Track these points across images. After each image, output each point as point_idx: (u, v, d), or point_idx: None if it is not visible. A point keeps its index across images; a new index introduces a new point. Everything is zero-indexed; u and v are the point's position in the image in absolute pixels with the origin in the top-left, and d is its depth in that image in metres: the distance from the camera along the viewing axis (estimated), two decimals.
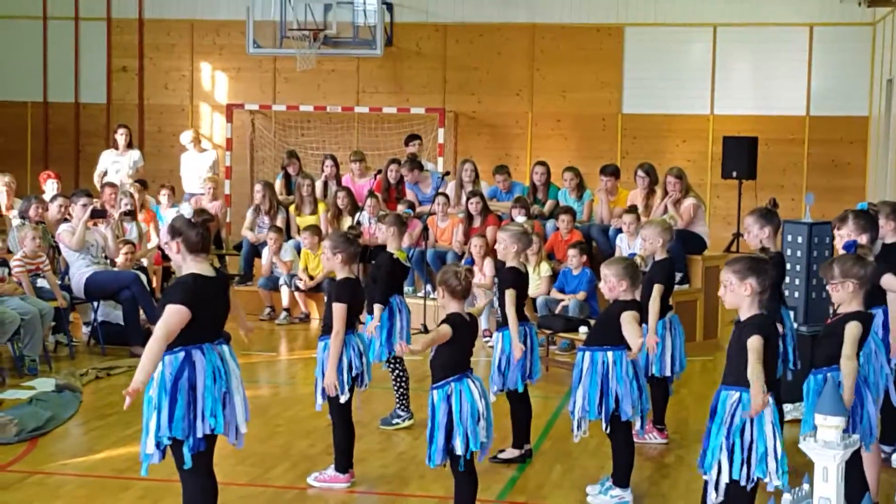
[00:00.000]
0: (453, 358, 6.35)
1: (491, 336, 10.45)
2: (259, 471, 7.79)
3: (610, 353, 7.17)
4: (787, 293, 9.57)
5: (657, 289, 8.31)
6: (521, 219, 12.07)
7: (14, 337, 10.41)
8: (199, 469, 5.76)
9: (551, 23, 18.65)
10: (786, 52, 17.99)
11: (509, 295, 7.94)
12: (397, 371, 8.95)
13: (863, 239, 7.02)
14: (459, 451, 6.24)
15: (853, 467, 5.72)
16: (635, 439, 8.29)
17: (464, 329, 6.38)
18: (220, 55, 19.59)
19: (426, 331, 12.39)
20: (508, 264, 8.16)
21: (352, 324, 7.53)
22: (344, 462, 7.51)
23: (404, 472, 7.83)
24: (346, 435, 7.51)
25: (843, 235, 7.09)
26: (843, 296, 6.20)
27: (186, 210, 5.83)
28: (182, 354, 5.61)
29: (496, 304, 8.33)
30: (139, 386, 5.44)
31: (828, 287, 6.29)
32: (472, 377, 6.40)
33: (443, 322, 6.38)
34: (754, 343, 5.47)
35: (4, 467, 7.78)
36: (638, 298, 7.43)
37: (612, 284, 7.28)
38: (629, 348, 7.06)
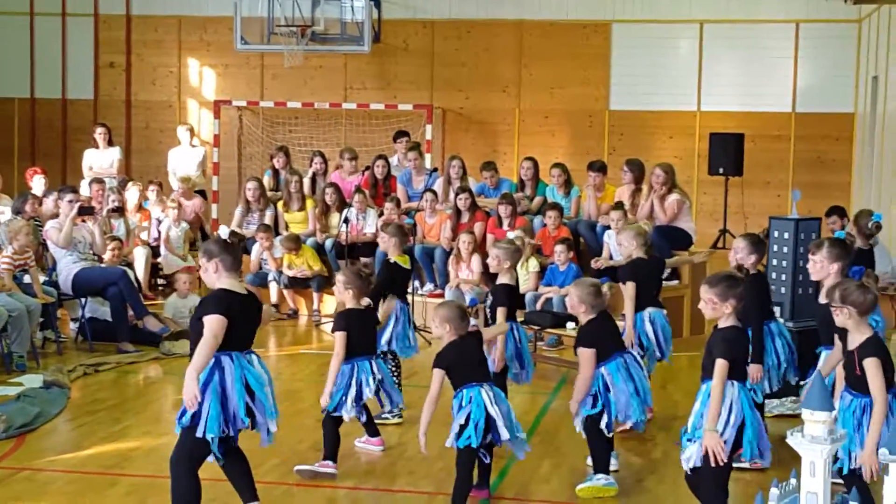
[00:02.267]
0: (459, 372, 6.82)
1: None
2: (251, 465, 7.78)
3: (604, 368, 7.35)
4: (773, 288, 9.62)
5: (630, 286, 8.71)
6: (512, 234, 12.13)
7: (1, 333, 10.39)
8: (195, 469, 6.17)
9: (539, 19, 18.66)
10: (772, 49, 18.04)
11: (500, 313, 8.26)
12: (389, 365, 8.98)
13: (833, 267, 7.20)
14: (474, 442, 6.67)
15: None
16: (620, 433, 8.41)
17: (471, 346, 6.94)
18: (208, 51, 19.57)
19: (414, 327, 12.38)
20: (500, 280, 8.45)
21: (366, 350, 7.83)
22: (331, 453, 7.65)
23: (393, 467, 7.84)
24: (332, 438, 7.72)
25: (816, 261, 7.30)
26: (845, 321, 6.20)
27: (224, 232, 6.29)
28: (212, 361, 6.04)
29: (488, 312, 8.55)
30: (194, 391, 5.95)
31: (832, 310, 6.30)
32: (488, 386, 6.85)
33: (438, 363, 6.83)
34: (720, 365, 6.02)
35: None
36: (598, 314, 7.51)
37: (573, 304, 7.43)
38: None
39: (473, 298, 12.40)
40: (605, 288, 7.57)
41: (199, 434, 6.03)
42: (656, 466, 8.02)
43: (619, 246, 9.03)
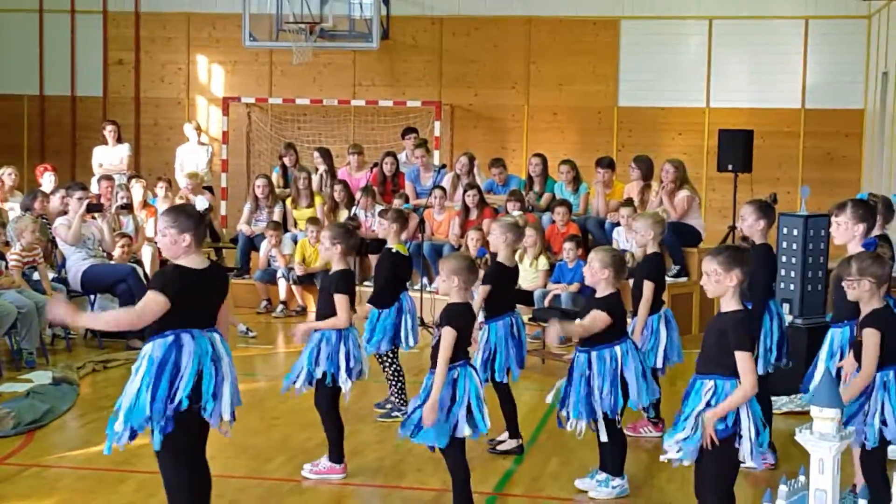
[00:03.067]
0: (456, 346, 6.42)
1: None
2: (256, 463, 7.80)
3: (594, 353, 7.07)
4: (782, 286, 9.60)
5: (648, 287, 8.32)
6: (516, 213, 12.11)
7: (11, 330, 10.41)
8: (182, 459, 5.73)
9: (548, 16, 18.65)
10: (781, 45, 18.01)
11: (482, 290, 8.05)
12: (394, 366, 8.97)
13: (858, 229, 6.98)
14: (465, 433, 6.38)
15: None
16: (630, 433, 8.34)
17: (469, 318, 6.61)
18: (217, 48, 19.58)
19: (422, 323, 12.42)
20: (499, 258, 8.21)
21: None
22: (337, 453, 7.54)
23: (401, 464, 7.85)
24: (335, 426, 7.54)
25: (840, 223, 7.01)
26: (860, 294, 6.11)
27: (201, 204, 5.96)
28: (171, 338, 5.62)
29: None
30: (84, 324, 5.84)
31: (844, 284, 6.19)
32: (472, 365, 6.57)
33: (452, 311, 6.48)
34: (745, 359, 5.57)
35: (2, 460, 7.79)
36: (617, 290, 7.22)
37: (594, 270, 7.07)
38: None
39: (482, 249, 12.26)
40: (628, 257, 7.40)
41: (119, 427, 5.61)
42: (666, 464, 8.00)
43: (635, 234, 8.60)
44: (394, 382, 8.99)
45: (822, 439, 5.02)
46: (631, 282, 8.57)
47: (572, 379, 7.12)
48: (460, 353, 6.47)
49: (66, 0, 19.72)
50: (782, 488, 5.13)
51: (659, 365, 8.44)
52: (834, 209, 7.19)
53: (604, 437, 7.09)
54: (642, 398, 7.15)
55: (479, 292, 8.01)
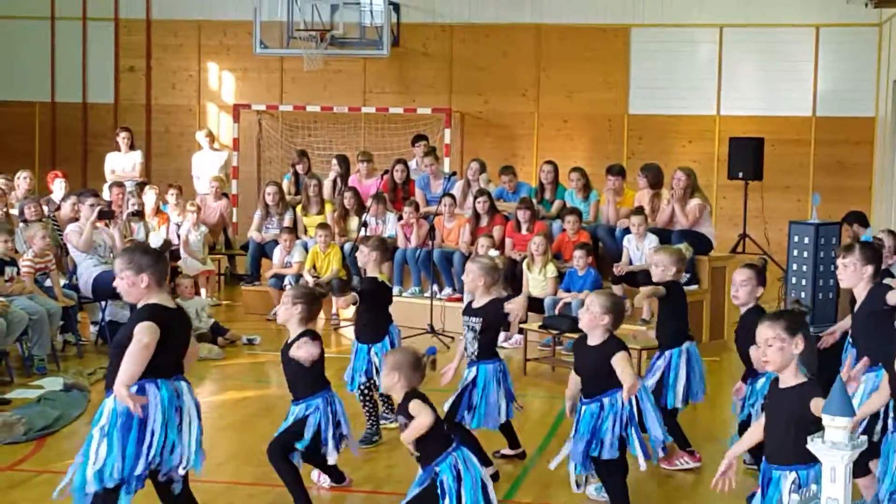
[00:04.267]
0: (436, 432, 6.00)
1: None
2: (265, 470, 7.76)
3: (606, 400, 6.75)
4: (793, 294, 9.59)
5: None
6: (493, 252, 12.08)
7: (22, 336, 10.42)
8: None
9: (557, 23, 18.66)
10: (792, 53, 18.01)
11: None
12: (371, 399, 8.69)
13: (867, 270, 6.91)
14: None
15: None
16: (667, 466, 8.10)
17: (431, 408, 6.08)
18: (228, 55, 19.63)
19: (432, 331, 12.42)
20: (479, 301, 7.82)
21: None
22: (336, 473, 7.48)
23: (412, 473, 7.81)
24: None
25: (848, 265, 6.93)
26: None
27: (155, 240, 5.64)
28: (135, 388, 5.32)
29: (471, 339, 7.81)
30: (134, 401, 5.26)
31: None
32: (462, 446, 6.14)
33: (409, 402, 6.02)
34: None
35: (13, 466, 7.81)
36: (614, 331, 6.88)
37: (594, 314, 6.75)
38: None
39: (431, 348, 12.15)
40: (627, 304, 7.15)
41: (91, 489, 5.34)
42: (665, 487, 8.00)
43: (655, 266, 8.26)
44: (368, 414, 8.69)
45: (834, 448, 5.01)
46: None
47: (578, 432, 6.85)
48: (443, 441, 6.04)
49: (78, 7, 19.79)
50: (794, 497, 5.12)
51: (679, 405, 8.03)
52: (840, 251, 7.10)
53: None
54: (660, 433, 6.92)
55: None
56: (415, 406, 5.91)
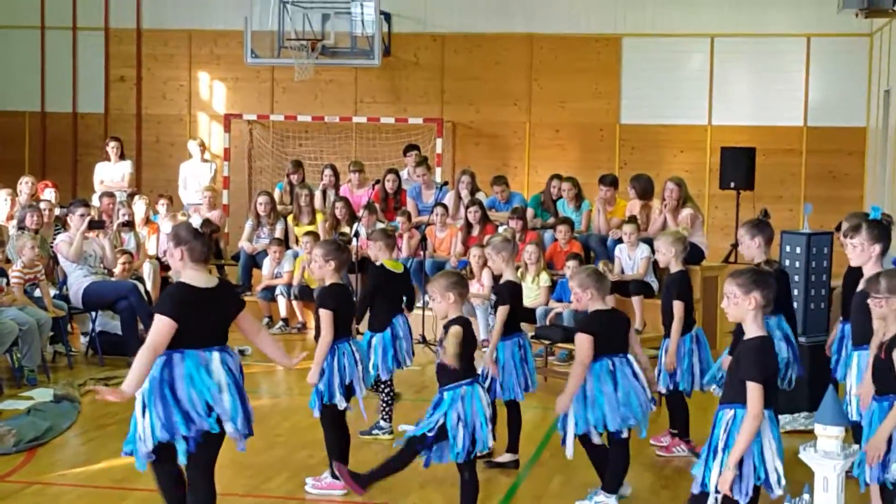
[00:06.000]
0: (462, 362, 6.47)
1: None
2: (257, 481, 7.77)
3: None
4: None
5: (678, 307, 8.21)
6: (501, 228, 12.12)
7: (12, 347, 10.39)
8: (204, 470, 5.87)
9: (549, 33, 18.68)
10: (783, 63, 18.04)
11: (501, 311, 7.99)
12: (389, 391, 8.91)
13: (875, 249, 6.90)
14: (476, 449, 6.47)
15: None
16: (663, 453, 8.25)
17: (470, 334, 6.57)
18: (218, 65, 19.61)
19: (424, 341, 12.39)
20: (506, 277, 8.14)
21: (346, 331, 7.59)
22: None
23: (405, 481, 7.80)
24: (336, 440, 7.51)
25: (856, 244, 6.95)
26: (888, 312, 5.92)
27: (196, 220, 5.98)
28: (163, 359, 5.69)
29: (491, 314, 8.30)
30: (129, 392, 5.63)
31: (870, 301, 6.02)
32: (481, 383, 6.66)
33: (453, 323, 6.52)
34: (751, 388, 5.30)
35: (3, 478, 7.76)
36: (608, 305, 7.19)
37: (577, 295, 7.09)
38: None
39: (462, 261, 12.18)
40: (601, 266, 7.32)
41: (144, 452, 5.73)
42: (668, 482, 7.99)
43: (657, 253, 8.50)
44: (383, 404, 8.93)
45: (826, 457, 5.01)
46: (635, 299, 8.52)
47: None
48: (470, 370, 6.55)
49: (68, 17, 19.77)
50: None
51: (696, 387, 8.30)
52: (847, 230, 7.08)
53: (570, 453, 7.00)
54: (611, 424, 7.01)
55: (499, 312, 7.97)
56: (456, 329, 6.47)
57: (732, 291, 5.53)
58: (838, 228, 12.43)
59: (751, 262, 7.78)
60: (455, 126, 19.00)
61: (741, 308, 5.52)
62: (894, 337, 5.89)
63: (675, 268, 8.38)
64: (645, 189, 13.47)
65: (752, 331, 5.50)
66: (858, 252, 6.94)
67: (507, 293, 8.07)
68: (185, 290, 5.77)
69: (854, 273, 7.22)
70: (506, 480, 7.89)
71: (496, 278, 12.70)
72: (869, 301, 6.05)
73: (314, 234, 13.90)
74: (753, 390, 5.27)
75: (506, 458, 8.16)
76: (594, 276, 7.17)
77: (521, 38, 18.79)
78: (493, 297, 8.15)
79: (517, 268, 12.71)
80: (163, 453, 5.77)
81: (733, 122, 18.10)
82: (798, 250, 9.60)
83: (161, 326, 5.62)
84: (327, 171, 15.42)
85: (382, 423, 8.94)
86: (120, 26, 19.78)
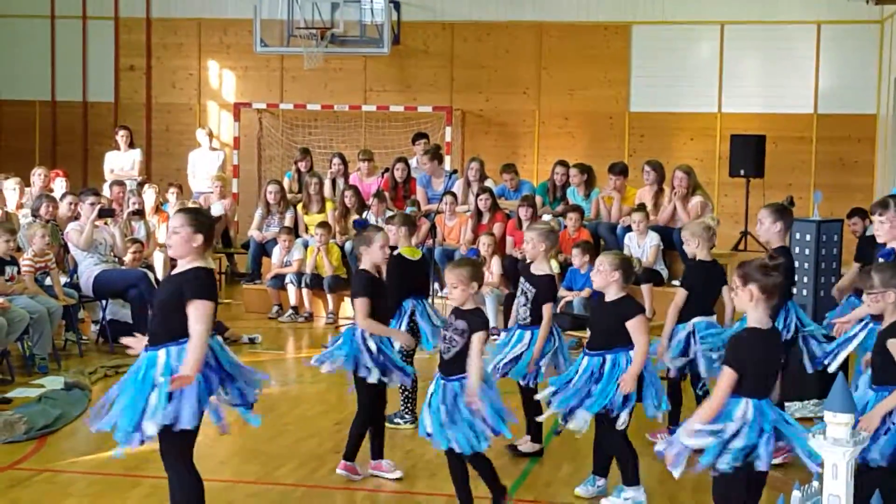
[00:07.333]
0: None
1: (499, 334, 10.32)
2: (267, 469, 7.79)
3: (610, 357, 6.89)
4: (794, 291, 9.55)
5: (679, 294, 8.14)
6: (547, 216, 12.03)
7: (23, 335, 10.42)
8: (186, 460, 5.82)
9: (559, 21, 18.65)
10: (793, 50, 17.99)
11: (547, 309, 7.82)
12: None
13: None
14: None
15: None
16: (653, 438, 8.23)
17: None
18: (228, 54, 19.62)
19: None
20: (538, 267, 7.93)
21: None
22: (351, 451, 7.51)
23: (413, 470, 7.82)
24: (362, 426, 7.50)
25: (884, 221, 6.91)
26: (884, 306, 5.90)
27: (217, 209, 5.99)
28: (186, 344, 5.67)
29: (523, 304, 7.97)
30: (192, 374, 5.56)
31: (865, 297, 6.03)
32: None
33: (479, 327, 6.53)
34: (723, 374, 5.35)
35: (14, 465, 7.80)
36: (627, 294, 7.07)
37: (604, 272, 6.91)
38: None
39: (472, 249, 12.10)
40: (634, 261, 7.24)
41: (182, 426, 5.63)
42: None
43: (684, 244, 8.36)
44: (402, 392, 8.87)
45: (836, 444, 5.00)
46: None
47: (571, 378, 6.98)
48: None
49: (78, 6, 19.78)
50: (796, 493, 5.11)
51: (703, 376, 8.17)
52: (875, 207, 7.06)
53: (576, 427, 6.94)
54: (656, 402, 6.96)
55: (546, 311, 7.80)
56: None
57: (734, 282, 5.53)
58: (849, 216, 12.47)
59: (766, 245, 7.70)
60: (464, 114, 18.99)
61: (740, 300, 5.51)
62: (890, 326, 5.87)
63: (700, 257, 8.23)
64: (662, 174, 13.45)
65: (751, 321, 5.47)
66: (887, 229, 6.93)
67: (553, 290, 7.93)
68: (210, 273, 5.81)
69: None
70: (515, 469, 7.89)
71: (510, 265, 12.75)
72: (864, 297, 6.06)
73: (326, 224, 13.92)
74: (723, 378, 5.34)
75: (532, 447, 8.13)
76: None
77: (530, 27, 18.76)
78: (529, 287, 7.85)
79: (524, 257, 12.77)
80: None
81: (743, 109, 18.06)
82: (808, 238, 9.59)
83: (207, 309, 5.60)
84: (336, 160, 15.42)
85: (405, 413, 8.87)
86: (129, 15, 19.79)
